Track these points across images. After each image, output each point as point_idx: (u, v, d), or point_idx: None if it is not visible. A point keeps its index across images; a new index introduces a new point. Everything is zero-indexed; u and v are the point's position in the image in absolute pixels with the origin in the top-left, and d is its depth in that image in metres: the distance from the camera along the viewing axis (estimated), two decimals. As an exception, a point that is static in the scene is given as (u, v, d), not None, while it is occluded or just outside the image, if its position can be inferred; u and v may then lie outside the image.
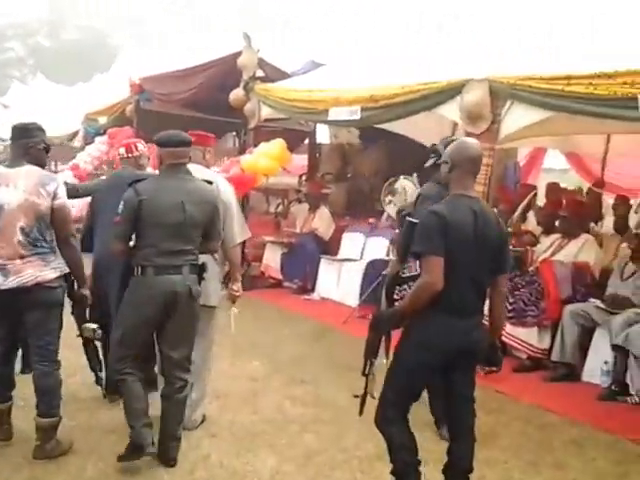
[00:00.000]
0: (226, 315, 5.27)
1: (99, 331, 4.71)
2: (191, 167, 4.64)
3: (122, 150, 5.40)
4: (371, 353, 3.68)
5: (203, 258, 4.52)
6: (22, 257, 4.12)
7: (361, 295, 8.29)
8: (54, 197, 4.20)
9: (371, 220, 9.76)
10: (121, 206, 4.18)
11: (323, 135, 13.76)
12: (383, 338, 3.70)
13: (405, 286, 3.92)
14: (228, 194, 4.84)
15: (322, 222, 9.86)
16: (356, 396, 3.77)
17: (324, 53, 10.27)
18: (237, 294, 5.06)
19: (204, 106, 12.08)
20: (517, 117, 5.90)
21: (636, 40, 5.12)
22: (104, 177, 8.13)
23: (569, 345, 6.17)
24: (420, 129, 9.22)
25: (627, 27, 5.30)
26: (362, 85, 7.42)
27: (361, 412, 3.76)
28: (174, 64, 11.96)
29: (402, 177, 7.73)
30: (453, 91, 6.34)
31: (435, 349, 3.53)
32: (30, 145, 4.30)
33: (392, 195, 7.77)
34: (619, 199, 8.66)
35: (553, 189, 9.44)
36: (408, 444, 3.66)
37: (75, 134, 16.11)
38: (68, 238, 4.29)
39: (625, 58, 4.98)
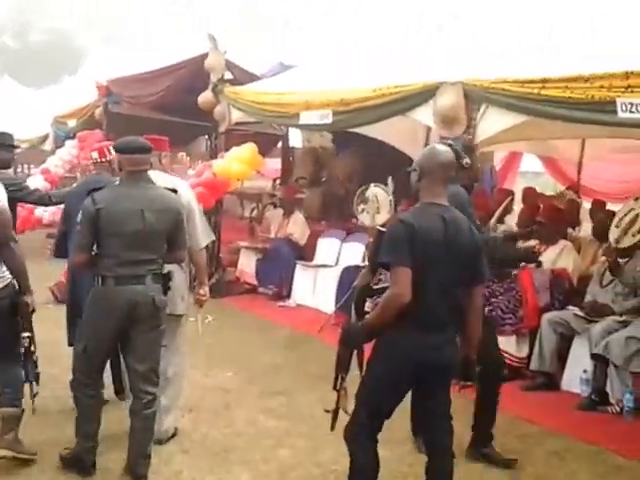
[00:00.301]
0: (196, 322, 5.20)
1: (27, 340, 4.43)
2: (150, 173, 4.61)
3: (94, 154, 5.34)
4: (342, 368, 3.56)
5: (168, 266, 4.44)
6: None
7: (336, 302, 8.17)
8: None
9: (347, 226, 9.63)
10: (80, 215, 4.12)
11: (296, 139, 13.71)
12: (355, 352, 3.56)
13: (377, 298, 3.79)
14: (188, 198, 4.78)
15: (297, 227, 9.74)
16: (327, 411, 3.66)
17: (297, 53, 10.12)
18: (204, 298, 5.00)
19: (174, 109, 11.92)
20: (492, 121, 5.81)
21: (612, 43, 5.05)
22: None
23: (548, 354, 6.08)
24: (394, 133, 9.14)
25: (603, 30, 5.23)
26: (333, 88, 7.30)
27: (332, 427, 3.65)
28: (143, 66, 11.78)
29: (373, 185, 7.65)
30: (426, 94, 6.25)
31: (405, 364, 3.42)
32: None
33: (364, 203, 7.69)
34: (596, 205, 8.64)
35: (530, 194, 9.42)
36: (369, 467, 3.54)
37: (45, 137, 15.87)
38: (8, 243, 4.18)
39: (601, 61, 4.91)
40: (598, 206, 8.66)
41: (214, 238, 5.27)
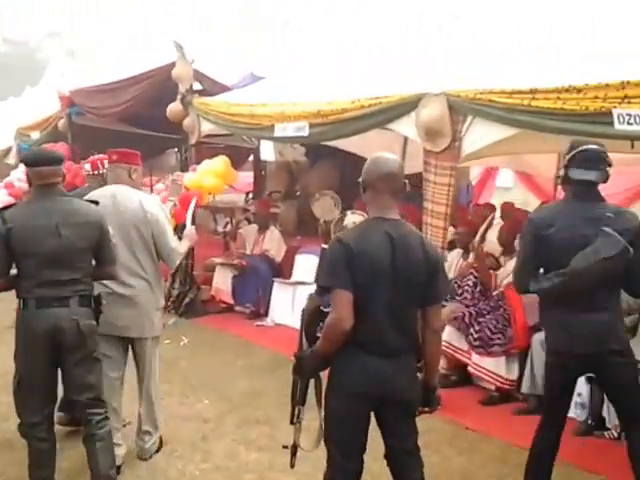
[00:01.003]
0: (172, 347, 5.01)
1: None
2: (116, 188, 4.59)
3: (87, 167, 5.27)
4: (297, 399, 3.39)
5: (141, 286, 4.51)
6: None
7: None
8: None
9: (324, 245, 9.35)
10: None
11: (268, 152, 13.43)
12: (313, 382, 3.41)
13: None
14: (156, 216, 4.62)
15: (273, 243, 9.47)
16: (285, 447, 3.52)
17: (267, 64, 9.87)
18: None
19: (141, 121, 11.64)
20: (479, 134, 5.61)
21: (607, 50, 4.86)
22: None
23: (539, 376, 5.85)
24: (369, 145, 8.85)
25: (597, 37, 5.04)
26: (309, 99, 7.06)
27: (292, 465, 3.51)
28: (107, 76, 11.45)
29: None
30: (408, 106, 6.04)
31: (356, 396, 3.21)
32: None
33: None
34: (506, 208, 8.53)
35: (508, 209, 9.29)
36: None
37: (8, 150, 15.42)
38: None
39: (595, 70, 4.72)
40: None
41: (182, 253, 5.01)
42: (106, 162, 5.20)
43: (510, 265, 6.92)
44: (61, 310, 3.84)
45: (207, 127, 8.97)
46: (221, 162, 8.69)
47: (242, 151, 13.29)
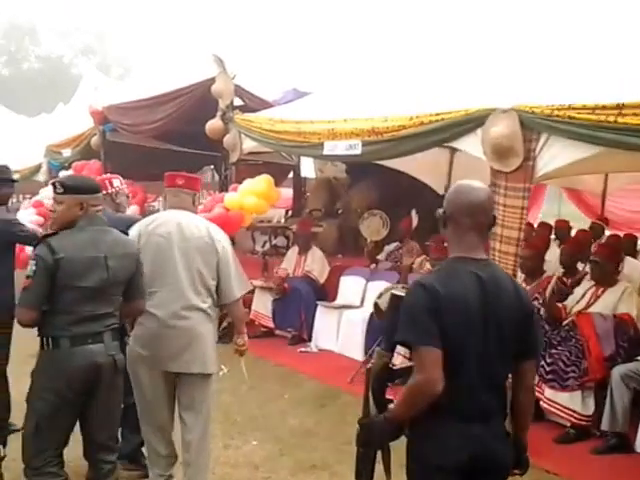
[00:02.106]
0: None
1: None
2: (180, 214, 4.26)
3: None
4: (363, 474, 2.86)
5: (198, 318, 4.13)
6: None
7: (366, 349, 7.39)
8: None
9: (372, 266, 8.85)
10: (32, 267, 3.50)
11: (308, 169, 12.99)
12: (380, 452, 2.87)
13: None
14: (223, 243, 4.28)
15: (315, 264, 8.95)
16: None
17: (311, 79, 9.40)
18: (244, 348, 4.55)
19: (178, 138, 11.20)
20: (556, 153, 5.05)
21: None
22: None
23: (620, 411, 5.32)
24: (414, 162, 8.39)
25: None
26: (361, 116, 6.54)
27: None
28: (142, 92, 11.03)
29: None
30: (473, 123, 5.50)
31: (449, 467, 2.65)
32: None
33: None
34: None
35: (563, 227, 8.78)
36: None
37: (38, 167, 15.08)
38: None
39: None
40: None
41: (251, 287, 4.62)
42: (116, 182, 5.05)
43: (579, 291, 6.40)
44: (97, 347, 3.60)
45: (249, 144, 8.50)
46: (264, 182, 8.22)
47: (282, 168, 12.84)
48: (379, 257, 9.28)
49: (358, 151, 6.52)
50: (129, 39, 45.95)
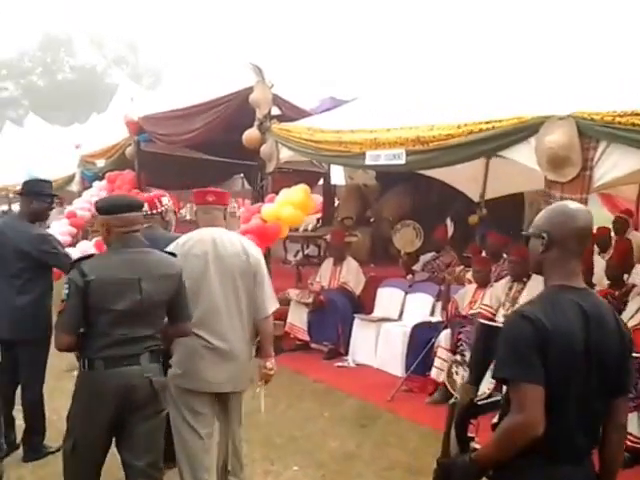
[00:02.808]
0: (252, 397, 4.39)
1: None
2: (214, 231, 4.16)
3: (144, 206, 4.57)
4: None
5: (238, 338, 4.04)
6: None
7: (407, 364, 7.04)
8: None
9: (408, 277, 8.51)
10: (65, 290, 3.45)
11: (338, 176, 12.66)
12: None
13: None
14: (257, 259, 4.19)
15: (351, 275, 8.61)
16: None
17: (348, 87, 9.09)
18: (271, 372, 4.27)
19: (211, 147, 10.94)
20: (617, 162, 4.72)
21: None
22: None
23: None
24: (448, 170, 8.03)
25: None
26: (405, 124, 6.22)
27: None
28: (177, 102, 10.80)
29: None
30: (527, 131, 5.17)
31: None
32: None
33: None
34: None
35: (605, 236, 8.34)
36: None
37: (72, 178, 14.94)
38: None
39: None
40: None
41: (278, 305, 4.49)
42: (165, 199, 4.92)
43: (632, 306, 6.00)
44: (132, 369, 3.48)
45: (287, 154, 8.22)
46: (300, 191, 7.91)
47: (311, 175, 12.55)
48: (415, 267, 8.93)
49: (402, 161, 6.20)
50: (160, 48, 46.14)
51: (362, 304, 8.53)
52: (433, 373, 6.63)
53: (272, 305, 4.24)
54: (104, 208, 3.60)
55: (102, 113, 18.77)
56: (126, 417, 3.51)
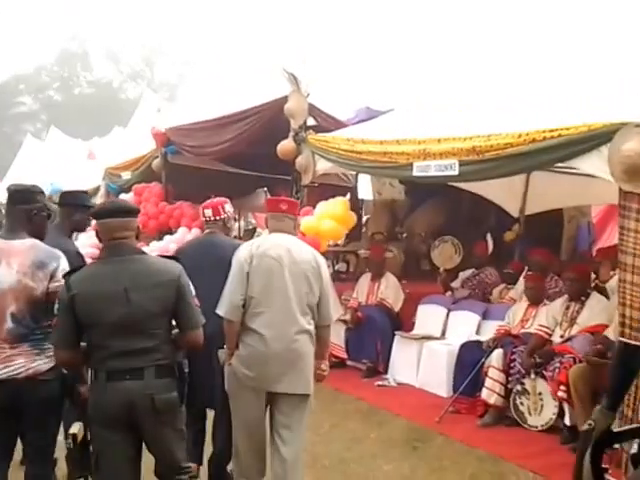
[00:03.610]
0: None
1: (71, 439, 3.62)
2: (288, 238, 4.23)
3: (208, 212, 4.77)
4: None
5: (304, 340, 4.07)
6: (12, 345, 3.57)
7: (455, 385, 6.68)
8: (51, 279, 3.62)
9: (447, 294, 8.18)
10: (56, 304, 3.45)
11: (365, 190, 12.33)
12: None
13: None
14: (325, 269, 4.29)
15: (390, 291, 8.28)
16: None
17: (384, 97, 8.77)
18: (325, 374, 4.36)
19: (240, 159, 10.63)
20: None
21: None
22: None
23: None
24: (486, 183, 7.72)
25: None
26: (459, 134, 5.88)
27: None
28: (205, 113, 10.52)
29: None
30: (598, 139, 4.80)
31: None
32: (34, 212, 3.78)
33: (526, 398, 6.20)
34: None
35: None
36: None
37: (96, 190, 14.67)
38: None
39: None
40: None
41: (342, 312, 4.33)
42: (227, 206, 4.83)
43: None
44: (133, 383, 3.31)
45: (324, 166, 7.88)
46: (340, 205, 7.62)
47: (338, 189, 12.20)
48: (453, 284, 8.60)
49: (455, 172, 5.85)
50: (175, 62, 46.17)
51: (401, 321, 8.18)
52: (484, 394, 6.26)
53: (335, 313, 4.49)
54: (92, 213, 3.57)
55: (123, 126, 18.60)
56: (135, 431, 3.39)
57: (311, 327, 4.14)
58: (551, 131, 5.09)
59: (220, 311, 4.03)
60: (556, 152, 5.13)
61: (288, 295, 4.03)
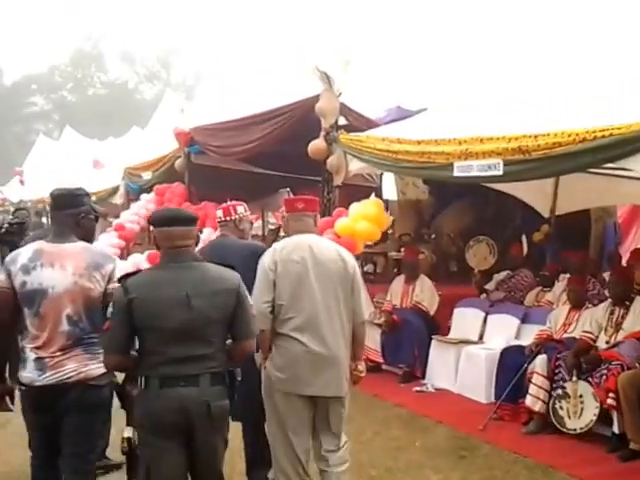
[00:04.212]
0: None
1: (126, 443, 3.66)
2: (309, 237, 4.19)
3: (219, 213, 4.84)
4: None
5: (339, 344, 4.06)
6: (64, 349, 3.51)
7: (497, 391, 6.53)
8: (109, 280, 3.60)
9: (482, 296, 8.05)
10: (110, 308, 3.36)
11: (390, 191, 12.19)
12: None
13: None
14: (353, 265, 4.20)
15: (425, 293, 8.14)
16: None
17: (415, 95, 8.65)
18: (362, 375, 4.32)
19: (266, 160, 10.54)
20: None
21: None
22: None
23: None
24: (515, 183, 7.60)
25: None
26: (504, 133, 5.76)
27: None
28: (227, 114, 10.44)
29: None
30: (655, 137, 4.67)
31: None
32: (82, 216, 3.73)
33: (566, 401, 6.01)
34: None
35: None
36: None
37: (115, 190, 14.65)
38: None
39: None
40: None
41: (373, 309, 4.88)
42: (240, 208, 4.83)
43: None
44: (189, 390, 3.24)
45: (357, 166, 7.80)
46: (374, 205, 7.51)
47: (362, 190, 12.10)
48: (487, 286, 8.47)
49: (499, 172, 5.73)
50: (191, 63, 46.18)
51: (437, 324, 8.05)
52: (528, 401, 6.11)
53: (367, 310, 4.41)
54: (151, 220, 3.50)
55: (140, 127, 18.56)
56: (186, 441, 3.29)
57: (342, 327, 4.09)
58: (602, 130, 4.95)
59: None
60: (607, 152, 5.00)
61: (316, 297, 3.99)
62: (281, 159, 10.17)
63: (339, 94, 8.10)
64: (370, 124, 8.29)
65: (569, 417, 5.91)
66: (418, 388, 7.44)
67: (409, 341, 7.73)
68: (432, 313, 8.08)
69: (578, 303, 6.56)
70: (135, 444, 3.55)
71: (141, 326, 3.26)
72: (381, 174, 10.88)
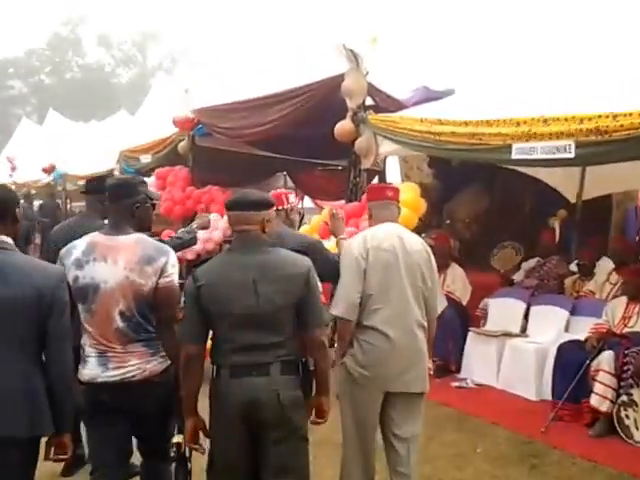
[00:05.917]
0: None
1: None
2: (397, 227, 3.97)
3: None
4: None
5: (422, 336, 3.84)
6: (124, 345, 3.26)
7: (559, 390, 5.85)
8: (161, 274, 3.28)
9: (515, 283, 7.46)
10: (182, 297, 3.25)
11: (394, 175, 11.46)
12: None
13: None
14: (431, 253, 3.98)
15: (457, 283, 7.50)
16: None
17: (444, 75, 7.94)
18: (431, 372, 4.48)
19: (277, 143, 9.72)
20: None
21: None
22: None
23: None
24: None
25: None
26: (575, 112, 5.07)
27: None
28: (233, 95, 9.62)
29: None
30: None
31: None
32: (137, 206, 3.42)
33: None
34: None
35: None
36: None
37: (110, 174, 13.70)
38: (170, 323, 3.33)
39: None
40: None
41: (446, 304, 4.37)
42: (291, 197, 4.35)
43: None
44: (259, 379, 3.03)
45: (389, 148, 7.08)
46: (410, 190, 6.80)
47: (366, 174, 11.42)
48: (514, 277, 7.85)
49: (571, 154, 5.04)
50: (167, 47, 44.97)
51: (470, 315, 7.39)
52: (593, 401, 5.48)
53: (441, 305, 4.08)
54: (225, 204, 3.26)
55: (117, 109, 17.64)
56: (259, 433, 3.06)
57: (426, 321, 3.88)
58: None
59: (335, 311, 3.76)
60: None
61: (404, 289, 3.76)
62: (295, 142, 9.36)
63: (366, 73, 7.35)
64: (398, 105, 7.55)
65: (637, 428, 5.29)
66: (457, 384, 6.81)
67: (443, 333, 6.88)
68: (465, 303, 7.43)
69: (635, 295, 5.94)
70: (184, 449, 3.34)
71: (210, 313, 3.09)
72: (385, 157, 10.16)
